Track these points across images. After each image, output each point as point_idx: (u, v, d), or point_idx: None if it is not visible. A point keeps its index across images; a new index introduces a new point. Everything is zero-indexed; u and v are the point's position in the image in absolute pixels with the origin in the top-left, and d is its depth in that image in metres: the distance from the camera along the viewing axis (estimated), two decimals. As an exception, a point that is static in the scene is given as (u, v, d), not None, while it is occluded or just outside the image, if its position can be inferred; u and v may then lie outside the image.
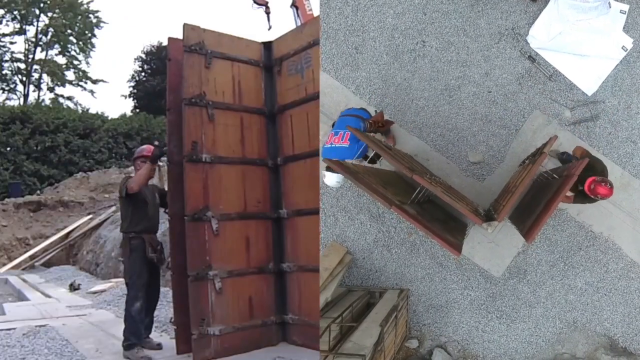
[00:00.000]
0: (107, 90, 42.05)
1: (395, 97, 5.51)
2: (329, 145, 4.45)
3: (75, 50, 32.63)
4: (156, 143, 5.28)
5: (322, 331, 4.13)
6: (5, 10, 29.80)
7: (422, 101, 5.50)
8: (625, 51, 5.29)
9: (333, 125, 4.73)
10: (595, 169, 4.31)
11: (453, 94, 5.47)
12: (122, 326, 5.10)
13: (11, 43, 30.89)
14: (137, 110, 30.58)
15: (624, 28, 5.29)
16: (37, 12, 30.83)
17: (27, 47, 31.24)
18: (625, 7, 5.25)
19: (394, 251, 5.55)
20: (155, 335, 5.69)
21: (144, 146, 5.54)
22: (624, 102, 5.32)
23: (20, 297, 9.78)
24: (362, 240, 5.57)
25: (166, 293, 6.91)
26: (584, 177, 4.10)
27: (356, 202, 5.54)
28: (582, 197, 4.43)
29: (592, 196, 4.23)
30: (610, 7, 5.20)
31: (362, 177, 3.81)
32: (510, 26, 5.41)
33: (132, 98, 33.04)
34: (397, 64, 5.50)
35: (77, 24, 32.01)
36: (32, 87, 31.81)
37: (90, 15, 32.34)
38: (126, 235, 5.22)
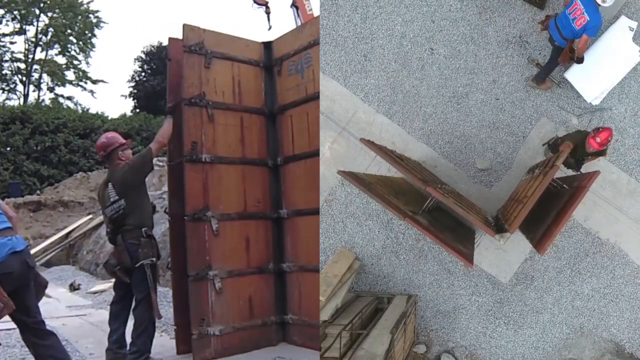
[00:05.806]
0: (107, 90, 41.91)
1: (404, 104, 5.54)
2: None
3: (75, 50, 32.56)
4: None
5: (333, 339, 4.17)
6: (5, 10, 29.70)
7: (430, 108, 5.53)
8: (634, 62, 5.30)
9: None
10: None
11: (461, 101, 5.50)
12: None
13: (11, 43, 30.83)
14: (137, 110, 30.55)
15: (633, 39, 5.31)
16: (37, 12, 30.73)
17: (27, 47, 31.18)
18: (634, 24, 5.23)
19: (402, 257, 5.59)
20: (155, 335, 5.65)
21: (110, 136, 4.78)
22: (631, 109, 5.36)
23: (20, 297, 9.72)
24: (371, 247, 5.61)
25: (166, 293, 6.91)
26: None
27: (365, 209, 5.57)
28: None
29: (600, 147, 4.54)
30: (619, 21, 5.23)
31: (375, 188, 3.84)
32: (517, 34, 5.45)
33: (132, 98, 33.03)
34: (406, 71, 5.53)
35: (77, 24, 31.92)
36: (32, 87, 31.76)
37: (90, 15, 32.24)
38: (146, 232, 4.57)
